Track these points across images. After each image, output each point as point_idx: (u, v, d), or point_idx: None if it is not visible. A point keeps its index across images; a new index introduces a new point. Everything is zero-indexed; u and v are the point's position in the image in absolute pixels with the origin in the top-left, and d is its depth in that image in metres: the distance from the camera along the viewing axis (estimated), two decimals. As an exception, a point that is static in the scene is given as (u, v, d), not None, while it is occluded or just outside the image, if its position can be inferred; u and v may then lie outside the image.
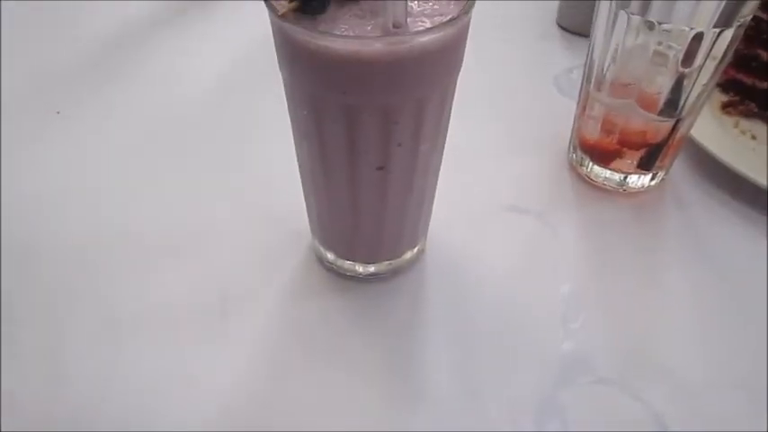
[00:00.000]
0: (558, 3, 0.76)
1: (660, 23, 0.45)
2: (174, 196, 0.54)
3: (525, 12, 0.79)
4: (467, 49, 0.37)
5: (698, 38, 0.45)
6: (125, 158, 0.58)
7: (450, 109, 0.41)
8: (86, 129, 0.61)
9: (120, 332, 0.44)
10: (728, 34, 0.45)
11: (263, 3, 0.35)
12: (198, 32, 0.74)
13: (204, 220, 0.52)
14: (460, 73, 0.38)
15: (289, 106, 0.40)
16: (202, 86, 0.66)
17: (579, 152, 0.56)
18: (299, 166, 0.44)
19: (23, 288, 0.47)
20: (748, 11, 0.44)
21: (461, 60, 0.38)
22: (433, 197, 0.46)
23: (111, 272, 0.48)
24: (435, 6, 0.35)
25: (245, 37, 0.71)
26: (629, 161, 0.54)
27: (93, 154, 0.58)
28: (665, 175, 0.56)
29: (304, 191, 0.46)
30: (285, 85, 0.39)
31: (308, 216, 0.48)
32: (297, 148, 0.43)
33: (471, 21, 0.36)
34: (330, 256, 0.48)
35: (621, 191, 0.55)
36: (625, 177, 0.55)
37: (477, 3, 0.35)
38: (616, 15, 0.47)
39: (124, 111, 0.63)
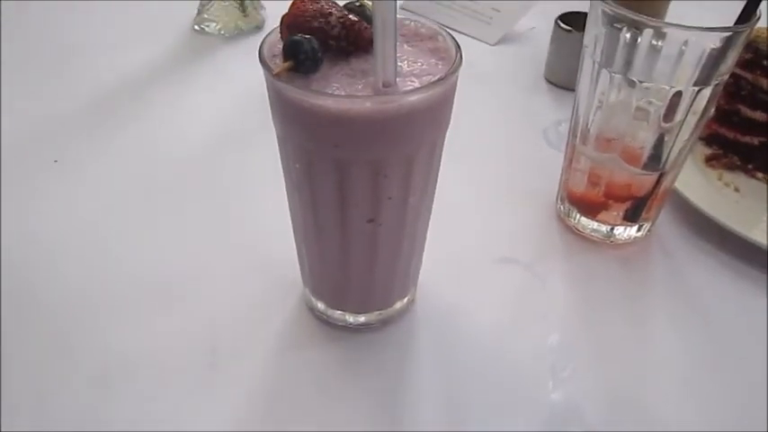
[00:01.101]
0: (545, 58, 0.78)
1: (641, 82, 0.47)
2: (167, 246, 0.55)
3: (514, 67, 0.81)
4: (458, 102, 0.39)
5: (678, 95, 0.47)
6: (120, 208, 0.59)
7: (439, 163, 0.42)
8: (83, 178, 0.62)
9: (110, 381, 0.44)
10: (707, 92, 0.47)
11: (258, 61, 0.36)
12: (193, 85, 0.76)
13: (197, 269, 0.53)
14: (451, 125, 0.39)
15: (281, 159, 0.41)
16: (197, 138, 0.67)
17: (567, 204, 0.57)
18: (291, 217, 0.45)
19: (16, 333, 0.47)
20: (725, 70, 0.46)
21: (449, 117, 0.39)
22: (422, 248, 0.47)
23: (102, 320, 0.48)
24: (424, 66, 0.37)
25: (240, 91, 0.73)
26: (616, 213, 0.55)
27: (89, 203, 0.59)
28: (651, 226, 0.57)
29: (296, 241, 0.47)
30: (278, 139, 0.40)
31: (300, 266, 0.48)
32: (289, 200, 0.44)
33: (462, 74, 0.37)
34: (321, 305, 0.48)
35: (609, 242, 0.56)
36: (612, 229, 0.56)
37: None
38: (599, 73, 0.49)
39: (120, 161, 0.64)
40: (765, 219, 0.58)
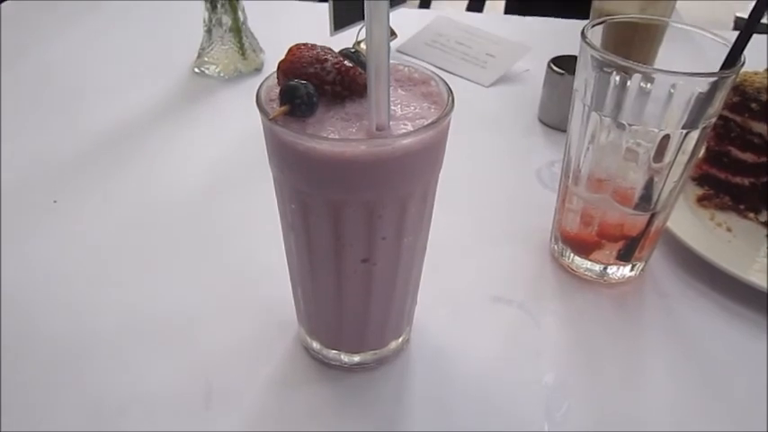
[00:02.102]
0: (539, 100, 0.80)
1: (631, 125, 0.48)
2: (163, 286, 0.55)
3: (509, 108, 0.82)
4: (452, 142, 0.40)
5: (667, 138, 0.48)
6: (118, 248, 0.59)
7: (433, 202, 0.42)
8: (81, 218, 0.62)
9: (105, 421, 0.44)
10: (695, 135, 0.48)
11: (255, 105, 0.37)
12: (193, 127, 0.77)
13: (193, 308, 0.53)
14: (446, 165, 0.40)
15: (277, 200, 0.42)
16: (195, 178, 0.68)
17: (560, 243, 0.58)
18: (287, 257, 0.45)
19: (11, 373, 0.47)
20: (712, 113, 0.47)
21: (442, 159, 0.40)
22: (417, 288, 0.47)
23: (97, 360, 0.48)
24: (417, 110, 0.38)
25: (239, 132, 0.74)
26: (609, 252, 0.55)
27: (87, 243, 0.60)
28: (644, 266, 0.57)
29: (291, 281, 0.47)
30: (274, 181, 0.41)
31: (296, 306, 0.49)
32: (285, 240, 0.44)
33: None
34: (316, 345, 0.48)
35: (602, 281, 0.57)
36: (605, 268, 0.56)
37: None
38: (589, 116, 0.50)
39: (119, 201, 0.65)
40: (759, 259, 0.58)
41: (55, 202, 0.65)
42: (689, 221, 0.61)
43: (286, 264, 0.46)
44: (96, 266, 0.57)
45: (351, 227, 0.38)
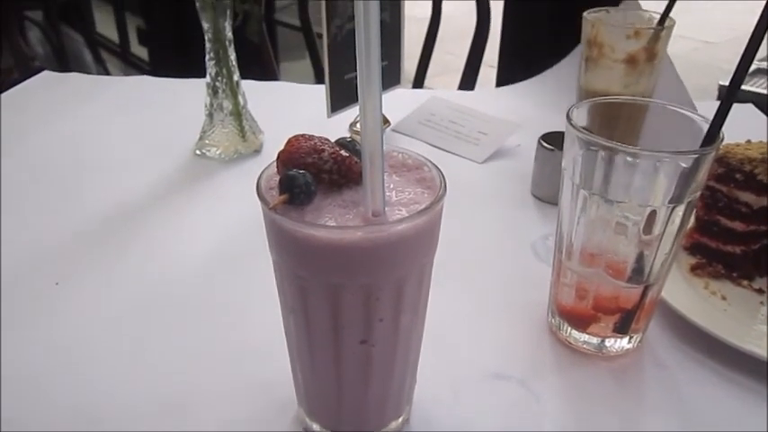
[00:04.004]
0: (531, 174, 0.82)
1: (619, 202, 0.50)
2: (163, 367, 0.55)
3: (502, 183, 0.84)
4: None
5: (654, 212, 0.49)
6: (119, 330, 0.60)
7: (430, 282, 0.44)
8: (82, 300, 0.63)
9: None
10: (681, 209, 0.49)
11: (255, 193, 0.39)
12: (193, 208, 0.79)
13: (193, 388, 0.53)
14: (442, 241, 0.41)
15: (277, 283, 0.43)
16: (196, 260, 0.69)
17: (557, 317, 0.59)
18: (286, 339, 0.46)
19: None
20: (696, 187, 0.49)
21: (437, 241, 0.41)
22: (416, 367, 0.48)
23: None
24: (411, 195, 0.39)
25: (239, 213, 0.76)
26: (605, 325, 0.56)
27: (88, 326, 0.60)
28: (641, 337, 0.58)
29: (291, 362, 0.47)
30: (274, 264, 0.42)
31: (295, 386, 0.49)
32: (284, 322, 0.45)
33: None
34: (315, 426, 0.48)
35: (601, 354, 0.57)
36: (603, 341, 0.57)
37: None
38: (578, 193, 0.52)
39: (120, 283, 0.66)
40: (756, 327, 0.59)
41: (57, 283, 0.66)
42: (683, 291, 0.62)
43: (285, 345, 0.46)
44: (96, 347, 0.57)
45: (349, 309, 0.39)
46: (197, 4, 0.80)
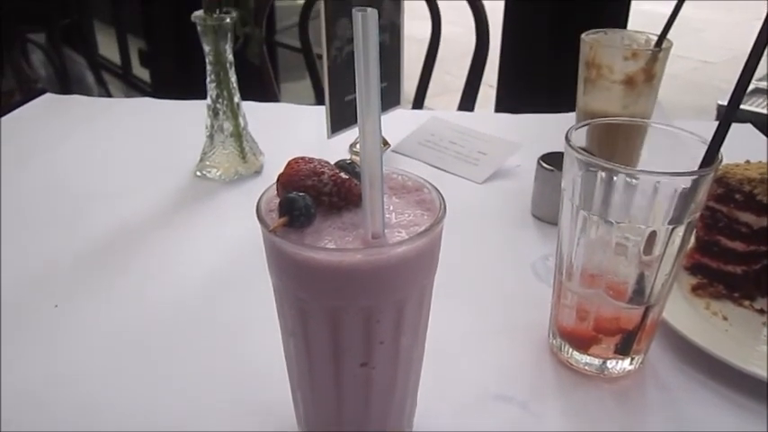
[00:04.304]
0: (531, 195, 0.82)
1: (618, 223, 0.50)
2: (163, 389, 0.55)
3: (502, 203, 0.85)
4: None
5: (654, 233, 0.49)
6: (118, 353, 0.59)
7: (430, 304, 0.43)
8: (82, 323, 0.63)
9: None
10: (681, 230, 0.49)
11: (255, 216, 0.39)
12: (193, 230, 0.79)
13: (192, 412, 0.53)
14: (442, 262, 0.41)
15: (277, 306, 0.43)
16: (196, 282, 0.69)
17: (558, 338, 0.58)
18: (286, 361, 0.46)
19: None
20: (696, 208, 0.49)
21: (437, 262, 0.41)
22: (416, 389, 0.47)
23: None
24: (410, 217, 0.39)
25: (239, 234, 0.76)
26: (607, 346, 0.56)
27: (87, 348, 0.60)
28: (643, 358, 0.57)
29: (291, 385, 0.47)
30: (273, 287, 0.42)
31: (295, 409, 0.49)
32: (284, 344, 0.45)
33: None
34: (316, 450, 0.48)
35: (602, 376, 0.57)
36: (604, 362, 0.56)
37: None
38: (578, 214, 0.52)
39: (120, 306, 0.66)
40: (758, 348, 0.59)
41: (56, 306, 0.65)
42: (685, 312, 0.62)
43: (285, 367, 0.46)
44: (95, 369, 0.57)
45: (349, 332, 0.39)
46: (198, 28, 0.80)
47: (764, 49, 0.46)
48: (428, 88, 1.50)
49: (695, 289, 0.67)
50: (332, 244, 0.37)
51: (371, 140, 0.36)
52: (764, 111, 2.42)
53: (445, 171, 0.90)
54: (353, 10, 0.32)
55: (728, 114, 0.47)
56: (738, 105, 0.47)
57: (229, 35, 0.82)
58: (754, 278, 0.65)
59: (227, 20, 0.80)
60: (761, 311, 0.64)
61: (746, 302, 0.65)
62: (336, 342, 0.40)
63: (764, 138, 1.02)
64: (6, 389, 0.55)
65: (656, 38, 0.80)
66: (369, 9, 0.31)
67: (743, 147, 0.68)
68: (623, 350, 0.55)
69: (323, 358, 0.41)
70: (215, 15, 0.80)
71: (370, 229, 0.37)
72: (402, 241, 0.36)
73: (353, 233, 0.37)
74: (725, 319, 0.63)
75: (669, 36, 0.79)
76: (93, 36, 3.56)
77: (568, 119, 0.91)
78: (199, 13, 0.80)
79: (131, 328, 0.63)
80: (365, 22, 0.32)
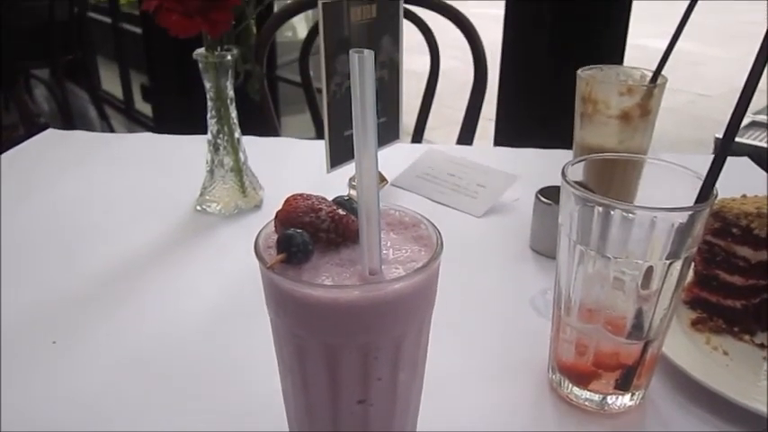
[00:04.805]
0: (530, 228, 0.83)
1: (616, 258, 0.50)
2: (162, 424, 0.55)
3: (500, 237, 0.85)
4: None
5: (651, 268, 0.49)
6: (116, 388, 0.59)
7: (428, 340, 0.43)
8: (80, 359, 0.63)
9: None
10: (678, 264, 0.49)
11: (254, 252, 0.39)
12: (193, 265, 0.79)
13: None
14: (440, 297, 0.41)
15: (275, 342, 0.43)
16: (194, 317, 0.69)
17: (558, 373, 0.58)
18: (284, 398, 0.46)
19: None
20: (692, 243, 0.49)
21: (434, 298, 0.41)
22: (415, 425, 0.47)
23: None
24: (408, 253, 0.40)
25: (238, 269, 0.76)
26: (606, 382, 0.55)
27: (86, 384, 0.60)
28: (644, 394, 0.57)
29: (288, 421, 0.47)
30: (271, 323, 0.42)
31: (293, 447, 0.48)
32: (281, 381, 0.45)
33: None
34: (314, 488, 0.47)
35: (603, 412, 0.56)
36: (604, 398, 0.56)
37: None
38: (575, 249, 0.52)
39: (119, 341, 0.65)
40: (759, 383, 0.58)
41: (54, 342, 0.65)
42: (685, 347, 0.62)
43: (283, 403, 0.46)
44: (94, 406, 0.57)
45: (346, 369, 0.39)
46: (200, 65, 0.82)
47: (757, 82, 0.46)
48: (427, 121, 1.51)
49: (695, 323, 0.66)
50: (329, 280, 0.37)
51: (368, 178, 0.36)
52: (764, 144, 2.44)
53: (444, 205, 0.90)
54: (351, 51, 0.32)
55: (723, 148, 0.47)
56: (732, 141, 0.47)
57: (230, 72, 0.83)
58: (754, 312, 0.65)
59: (229, 57, 0.82)
60: (761, 346, 0.64)
61: (747, 337, 0.65)
62: (334, 379, 0.39)
63: (761, 171, 1.02)
64: (6, 425, 0.54)
65: (651, 73, 0.81)
66: (366, 51, 0.32)
67: (740, 180, 0.69)
68: (623, 386, 0.55)
69: (320, 395, 0.41)
70: (216, 53, 0.81)
71: (367, 265, 0.37)
72: (399, 277, 0.37)
73: (351, 269, 0.38)
74: (725, 353, 0.63)
75: (667, 70, 0.80)
76: (97, 71, 3.61)
77: (566, 152, 0.92)
78: (201, 50, 0.81)
79: (130, 362, 0.62)
80: (362, 64, 0.32)
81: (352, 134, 0.36)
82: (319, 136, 1.45)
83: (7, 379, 0.60)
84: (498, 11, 1.87)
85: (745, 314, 0.66)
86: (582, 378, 0.56)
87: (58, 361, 0.63)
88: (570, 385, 0.57)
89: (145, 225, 0.87)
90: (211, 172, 0.89)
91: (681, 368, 0.57)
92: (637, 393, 0.56)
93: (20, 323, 0.68)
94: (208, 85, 0.83)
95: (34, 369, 0.61)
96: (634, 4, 1.70)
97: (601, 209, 0.49)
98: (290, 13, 1.47)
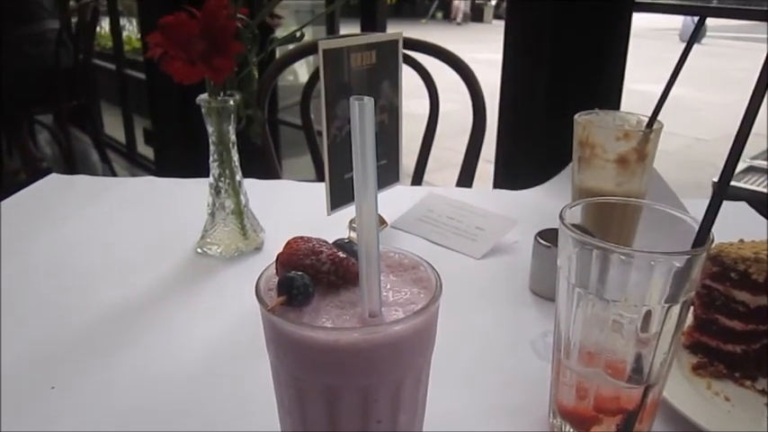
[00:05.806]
0: (529, 271, 0.83)
1: (614, 301, 0.50)
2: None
3: (500, 279, 0.85)
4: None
5: (650, 312, 0.49)
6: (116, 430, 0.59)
7: (428, 383, 0.43)
8: (79, 404, 0.62)
9: None
10: (677, 309, 0.50)
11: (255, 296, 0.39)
12: (193, 308, 0.79)
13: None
14: (440, 340, 0.41)
15: (274, 384, 0.43)
16: (194, 361, 0.69)
17: (559, 418, 0.58)
18: (283, 442, 0.45)
19: None
20: (690, 287, 0.49)
21: (434, 340, 0.42)
22: (415, 471, 0.46)
23: None
24: (407, 296, 0.40)
25: (238, 311, 0.76)
26: (608, 427, 0.55)
27: (86, 429, 0.59)
28: (646, 439, 0.56)
29: (288, 466, 0.46)
30: (271, 366, 0.42)
31: (292, 493, 0.48)
32: (281, 423, 0.45)
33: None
34: None
35: (605, 457, 0.56)
36: (606, 443, 0.55)
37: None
38: (574, 292, 0.52)
39: (117, 386, 0.65)
40: (761, 430, 0.58)
41: (53, 388, 0.65)
42: (686, 392, 0.61)
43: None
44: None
45: (346, 411, 0.39)
46: (202, 110, 0.83)
47: (751, 127, 0.47)
48: (427, 163, 1.53)
49: (696, 368, 0.66)
50: (329, 322, 0.37)
51: (368, 222, 0.37)
52: (762, 189, 2.44)
53: (443, 246, 0.91)
54: (351, 99, 0.33)
55: (719, 192, 0.48)
56: (728, 183, 0.48)
57: (233, 117, 0.84)
58: (755, 358, 0.65)
59: (231, 102, 0.83)
60: (762, 392, 0.63)
61: (748, 383, 0.64)
62: (334, 421, 0.39)
63: (759, 216, 1.03)
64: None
65: (647, 119, 0.83)
66: (366, 98, 0.33)
67: (738, 225, 0.69)
68: (625, 431, 0.54)
69: (320, 439, 0.41)
70: (219, 98, 0.83)
71: (367, 307, 0.37)
72: (399, 320, 0.37)
73: (351, 311, 0.38)
74: (727, 399, 0.62)
75: (663, 114, 0.81)
76: (100, 115, 3.66)
77: (565, 195, 0.93)
78: (203, 96, 0.83)
79: (130, 407, 0.62)
80: (362, 111, 0.33)
81: (352, 177, 0.37)
82: (320, 178, 1.47)
83: (6, 424, 0.59)
84: (496, 55, 1.91)
85: (746, 359, 0.65)
86: (583, 423, 0.55)
87: (57, 406, 0.62)
88: (571, 430, 0.56)
89: (146, 268, 0.87)
90: (212, 215, 0.89)
91: (683, 414, 0.57)
92: (639, 439, 0.56)
93: (19, 368, 0.67)
94: (210, 129, 0.84)
95: (33, 415, 0.61)
96: (630, 50, 1.73)
97: (599, 252, 0.50)
98: (291, 59, 1.50)
